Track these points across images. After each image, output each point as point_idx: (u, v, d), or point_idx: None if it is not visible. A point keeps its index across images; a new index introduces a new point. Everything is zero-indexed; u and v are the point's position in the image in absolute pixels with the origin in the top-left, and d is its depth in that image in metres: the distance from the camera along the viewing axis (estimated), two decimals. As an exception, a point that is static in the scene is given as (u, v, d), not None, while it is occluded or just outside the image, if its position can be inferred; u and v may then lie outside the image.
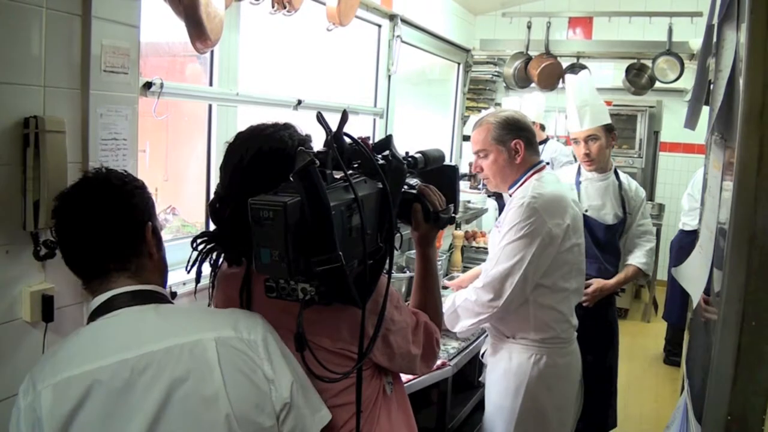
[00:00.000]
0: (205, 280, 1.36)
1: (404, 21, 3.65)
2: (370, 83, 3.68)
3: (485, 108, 6.24)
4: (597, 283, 2.80)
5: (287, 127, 1.31)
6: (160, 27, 2.14)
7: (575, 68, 4.78)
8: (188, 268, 1.28)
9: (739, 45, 1.13)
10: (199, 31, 1.93)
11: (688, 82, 4.59)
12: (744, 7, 1.11)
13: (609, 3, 4.99)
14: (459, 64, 4.88)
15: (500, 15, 5.00)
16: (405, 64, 3.85)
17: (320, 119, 1.09)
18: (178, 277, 2.11)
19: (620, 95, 5.56)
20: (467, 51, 4.87)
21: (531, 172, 2.21)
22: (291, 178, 0.98)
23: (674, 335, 4.78)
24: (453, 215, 1.48)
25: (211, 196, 1.34)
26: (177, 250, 2.06)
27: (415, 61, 4.26)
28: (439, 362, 2.45)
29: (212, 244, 1.29)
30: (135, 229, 1.22)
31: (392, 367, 1.38)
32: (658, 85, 4.72)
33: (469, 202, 4.22)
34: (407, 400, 1.50)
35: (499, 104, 6.37)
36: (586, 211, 2.85)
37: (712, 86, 1.48)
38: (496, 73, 5.93)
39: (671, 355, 4.84)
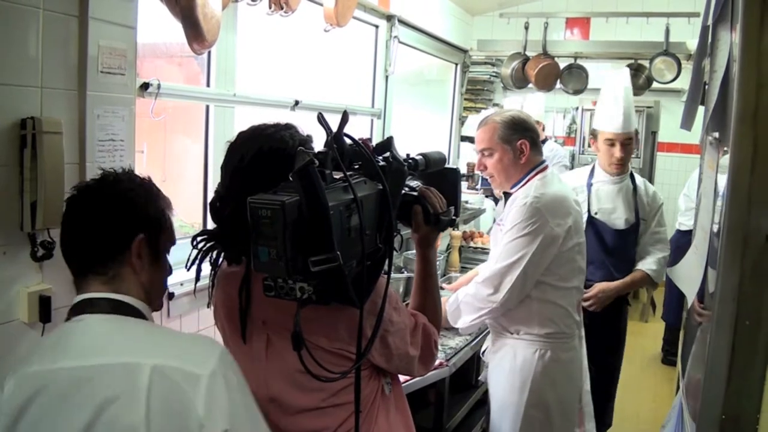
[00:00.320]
0: (205, 280, 1.36)
1: (402, 22, 3.66)
2: (368, 84, 3.68)
3: (483, 108, 6.25)
4: (599, 285, 2.77)
5: (288, 127, 1.31)
6: (158, 27, 2.15)
7: (572, 68, 4.79)
8: (188, 266, 1.29)
9: (733, 45, 1.14)
10: (196, 32, 1.93)
11: (685, 82, 4.58)
12: (737, 8, 1.11)
13: (606, 3, 4.99)
14: (456, 64, 4.89)
15: (498, 15, 5.00)
16: (402, 65, 3.85)
17: (321, 120, 1.10)
18: (176, 278, 2.10)
19: (618, 95, 5.56)
20: (465, 51, 4.87)
21: (534, 172, 2.23)
22: (290, 178, 0.99)
23: (672, 335, 4.79)
24: (453, 218, 1.49)
25: (209, 196, 1.35)
26: (175, 250, 2.06)
27: (412, 62, 4.26)
28: (436, 362, 2.46)
29: (212, 243, 1.30)
30: (117, 237, 1.18)
31: (390, 368, 1.38)
32: (655, 85, 4.73)
33: (467, 202, 4.22)
34: (405, 401, 1.50)
35: (497, 104, 6.39)
36: (596, 214, 2.82)
37: (706, 87, 1.49)
38: (493, 74, 5.93)
39: (669, 354, 4.85)
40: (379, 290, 1.21)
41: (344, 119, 1.11)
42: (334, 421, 1.32)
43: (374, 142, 1.26)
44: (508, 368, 2.25)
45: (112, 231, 1.18)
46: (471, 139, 5.57)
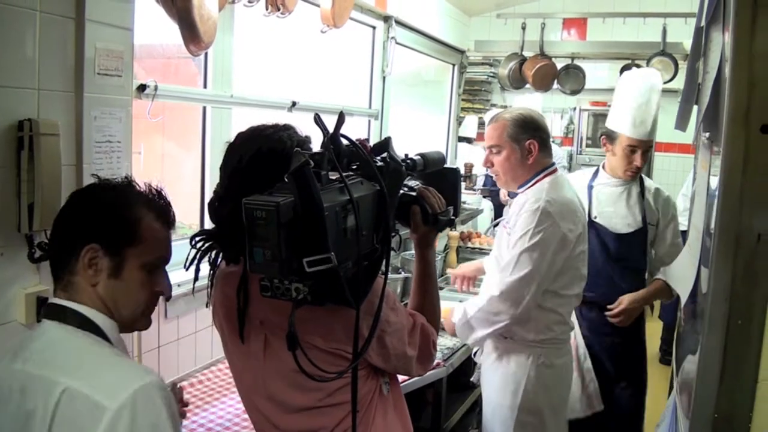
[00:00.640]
0: (202, 281, 1.37)
1: (399, 22, 3.66)
2: (365, 85, 3.69)
3: (481, 108, 6.27)
4: (626, 298, 2.55)
5: (287, 128, 1.32)
6: (154, 29, 2.15)
7: (570, 69, 4.81)
8: (187, 265, 1.30)
9: (725, 46, 1.14)
10: (192, 34, 1.94)
11: (682, 82, 4.59)
12: (729, 9, 1.12)
13: (603, 4, 5.00)
14: (454, 65, 4.90)
15: (495, 16, 5.01)
16: (400, 66, 3.86)
17: (317, 121, 1.10)
18: (173, 279, 2.11)
19: (615, 96, 5.57)
20: (462, 52, 4.88)
21: (543, 174, 2.18)
22: (285, 179, 0.99)
23: (670, 335, 4.79)
24: (452, 218, 1.48)
25: (206, 197, 1.35)
26: (173, 252, 2.07)
27: (409, 63, 4.27)
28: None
29: (210, 243, 1.30)
30: (64, 245, 1.16)
31: (387, 368, 1.39)
32: (652, 85, 4.73)
33: (464, 202, 4.23)
34: (404, 402, 1.50)
35: (495, 105, 6.39)
36: (596, 217, 2.67)
37: (700, 87, 1.50)
38: (490, 74, 5.95)
39: (667, 354, 4.85)
40: (376, 290, 1.21)
41: (340, 120, 1.11)
42: (332, 421, 1.32)
43: (372, 143, 1.26)
44: (501, 372, 2.22)
45: (59, 239, 1.17)
46: (468, 140, 5.61)
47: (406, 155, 1.38)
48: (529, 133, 2.16)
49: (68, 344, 1.09)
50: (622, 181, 2.69)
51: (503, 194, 5.24)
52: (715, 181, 1.16)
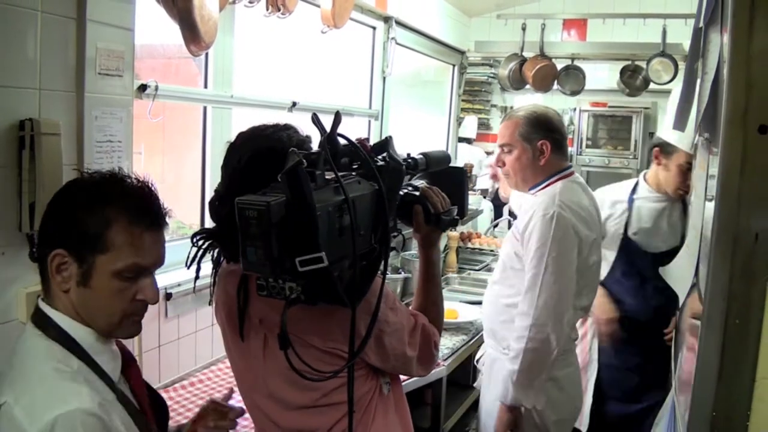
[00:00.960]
0: (202, 280, 1.37)
1: (399, 23, 3.67)
2: (365, 85, 3.69)
3: (481, 109, 6.27)
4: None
5: (287, 127, 1.32)
6: (155, 29, 2.16)
7: (570, 69, 4.81)
8: (188, 263, 1.30)
9: (723, 47, 1.15)
10: (193, 34, 1.94)
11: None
12: (727, 10, 1.13)
13: (603, 5, 5.00)
14: (454, 65, 4.90)
15: (495, 17, 5.01)
16: (400, 66, 3.87)
17: (315, 120, 1.11)
18: (174, 278, 2.13)
19: (615, 97, 5.58)
20: (462, 53, 4.89)
21: (556, 177, 2.09)
22: (279, 179, 1.00)
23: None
24: (456, 217, 1.46)
25: (207, 197, 1.36)
26: (174, 252, 2.08)
27: (410, 63, 4.27)
28: (434, 362, 2.45)
29: (210, 241, 1.31)
30: (39, 248, 1.11)
31: (386, 368, 1.39)
32: (652, 86, 4.74)
33: (465, 203, 4.23)
34: (405, 402, 1.50)
35: (495, 105, 6.40)
36: (635, 234, 2.56)
37: (699, 88, 1.50)
38: (491, 75, 5.95)
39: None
40: (374, 290, 1.20)
41: (337, 120, 1.11)
42: (330, 419, 1.33)
43: (372, 143, 1.26)
44: (501, 383, 2.12)
45: (38, 241, 1.13)
46: (468, 140, 5.61)
47: (408, 155, 1.37)
48: (541, 133, 2.08)
49: (29, 359, 1.06)
50: (665, 197, 2.56)
51: (503, 192, 5.25)
52: (713, 182, 1.16)
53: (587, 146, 5.89)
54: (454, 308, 2.95)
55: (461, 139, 5.38)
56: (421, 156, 1.40)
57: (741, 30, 1.08)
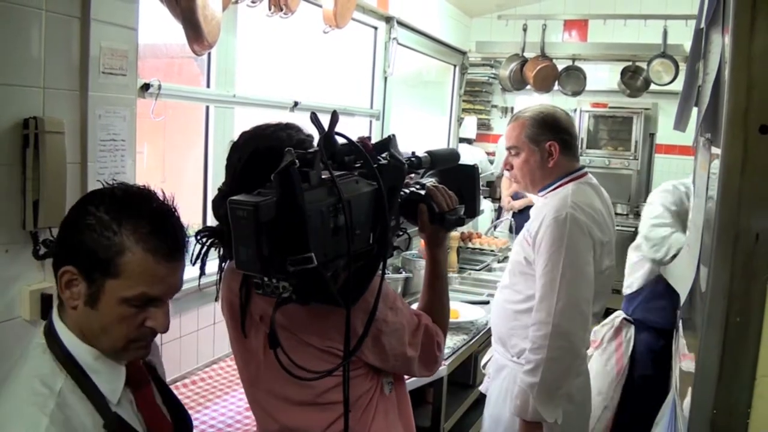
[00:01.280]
0: (208, 277, 1.38)
1: (400, 23, 3.68)
2: (367, 85, 3.70)
3: (482, 110, 6.28)
4: None
5: (289, 127, 1.33)
6: (158, 29, 2.17)
7: (570, 70, 4.82)
8: (192, 261, 1.31)
9: (725, 48, 1.16)
10: (196, 34, 1.95)
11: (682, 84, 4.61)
12: (729, 11, 1.14)
13: (604, 6, 5.01)
14: (455, 66, 4.91)
15: (496, 17, 5.02)
16: (401, 66, 3.88)
17: (314, 120, 1.11)
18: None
19: (615, 97, 5.59)
20: (463, 53, 4.90)
21: (567, 178, 2.02)
22: (271, 178, 1.00)
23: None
24: (462, 216, 1.43)
25: (209, 196, 1.36)
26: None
27: (411, 63, 4.28)
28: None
29: (213, 239, 1.32)
30: (54, 263, 1.07)
31: (386, 367, 1.38)
32: (653, 87, 4.76)
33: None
34: (408, 402, 1.50)
35: (495, 106, 6.41)
36: None
37: (700, 89, 1.51)
38: (491, 76, 5.96)
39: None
40: (373, 289, 1.19)
41: (334, 119, 1.11)
42: (329, 417, 1.33)
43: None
44: (506, 390, 2.07)
45: (54, 253, 1.08)
46: (468, 141, 5.62)
47: (413, 153, 1.35)
48: (549, 134, 2.01)
49: (19, 370, 1.04)
50: None
51: (505, 201, 5.25)
52: (714, 181, 1.17)
53: (588, 146, 5.90)
54: (455, 308, 2.95)
55: (461, 140, 5.39)
56: (426, 154, 1.38)
57: (742, 31, 1.09)
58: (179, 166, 2.66)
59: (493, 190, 5.74)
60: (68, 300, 1.05)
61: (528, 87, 4.86)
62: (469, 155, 5.30)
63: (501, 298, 2.16)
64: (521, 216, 4.74)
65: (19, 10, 1.57)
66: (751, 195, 1.10)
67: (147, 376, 1.20)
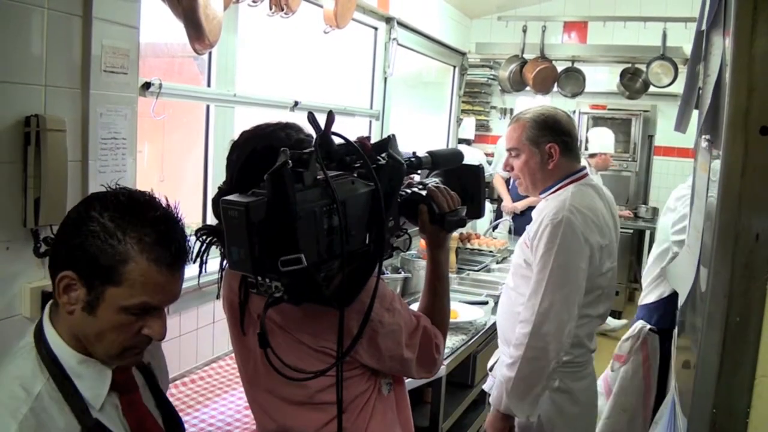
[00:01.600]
0: (208, 276, 1.38)
1: (400, 24, 3.69)
2: (367, 85, 3.71)
3: (481, 111, 6.30)
4: None
5: (288, 127, 1.33)
6: (159, 28, 2.17)
7: (570, 72, 4.83)
8: (193, 259, 1.31)
9: (725, 50, 1.16)
10: (197, 33, 1.96)
11: (682, 86, 4.62)
12: (730, 13, 1.14)
13: (604, 7, 5.03)
14: (455, 67, 4.92)
15: (496, 18, 5.03)
16: (401, 67, 3.88)
17: (311, 120, 1.11)
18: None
19: (615, 99, 5.62)
20: (463, 54, 4.91)
21: (568, 180, 2.02)
22: (264, 179, 1.00)
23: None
24: (464, 217, 1.42)
25: (209, 195, 1.37)
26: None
27: (411, 64, 4.29)
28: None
29: (212, 237, 1.32)
30: (50, 267, 1.06)
31: (382, 368, 1.37)
32: (652, 89, 4.77)
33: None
34: (407, 403, 1.50)
35: (494, 107, 6.42)
36: None
37: (700, 91, 1.51)
38: (491, 77, 5.98)
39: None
40: (369, 289, 1.19)
41: (329, 119, 1.11)
42: (324, 417, 1.33)
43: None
44: (496, 390, 2.04)
45: (50, 257, 1.07)
46: (467, 141, 5.63)
47: (414, 153, 1.34)
48: (549, 136, 2.01)
49: (3, 370, 1.04)
50: None
51: (505, 204, 5.24)
52: (714, 182, 1.17)
53: (587, 148, 5.91)
54: (454, 308, 2.95)
55: (460, 141, 5.40)
56: (427, 155, 1.37)
57: (743, 33, 1.09)
58: (179, 165, 2.66)
59: (491, 190, 5.75)
60: (65, 305, 1.03)
61: (527, 88, 4.87)
62: (467, 156, 5.31)
63: (506, 300, 2.16)
64: (521, 217, 4.75)
65: (21, 8, 1.57)
66: (752, 196, 1.10)
67: (134, 381, 1.18)
